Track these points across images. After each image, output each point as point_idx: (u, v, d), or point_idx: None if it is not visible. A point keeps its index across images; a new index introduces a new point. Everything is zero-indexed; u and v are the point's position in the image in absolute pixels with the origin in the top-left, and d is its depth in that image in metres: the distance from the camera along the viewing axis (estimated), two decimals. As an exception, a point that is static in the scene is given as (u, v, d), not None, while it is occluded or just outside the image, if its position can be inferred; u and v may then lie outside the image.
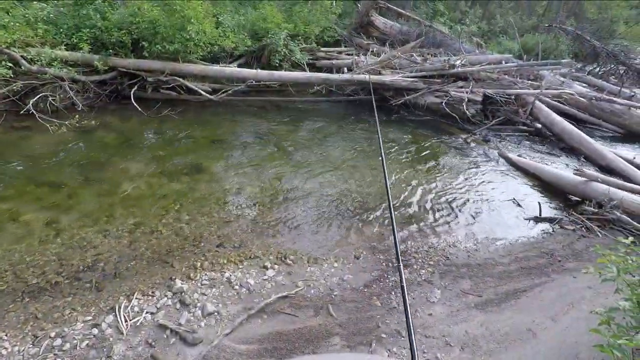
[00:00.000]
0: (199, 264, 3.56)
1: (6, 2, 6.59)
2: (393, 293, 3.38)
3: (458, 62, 8.41)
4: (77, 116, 6.41)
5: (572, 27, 14.64)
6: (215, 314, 2.99)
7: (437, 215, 4.76)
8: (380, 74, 8.55)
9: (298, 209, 4.65)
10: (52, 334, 2.70)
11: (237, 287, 3.32)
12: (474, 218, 4.76)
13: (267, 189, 5.04)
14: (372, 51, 10.62)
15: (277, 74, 8.42)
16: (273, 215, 4.50)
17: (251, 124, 7.26)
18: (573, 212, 4.91)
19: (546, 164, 6.26)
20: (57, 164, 5.22)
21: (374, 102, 4.42)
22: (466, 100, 7.82)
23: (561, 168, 6.24)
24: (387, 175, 2.30)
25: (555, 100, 8.40)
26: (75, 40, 6.94)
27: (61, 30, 7.04)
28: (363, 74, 8.53)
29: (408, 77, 8.27)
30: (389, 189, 2.38)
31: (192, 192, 4.82)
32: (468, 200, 5.16)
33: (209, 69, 7.89)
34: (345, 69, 9.64)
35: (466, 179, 5.75)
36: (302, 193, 5.00)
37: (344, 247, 4.04)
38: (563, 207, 5.15)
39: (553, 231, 4.60)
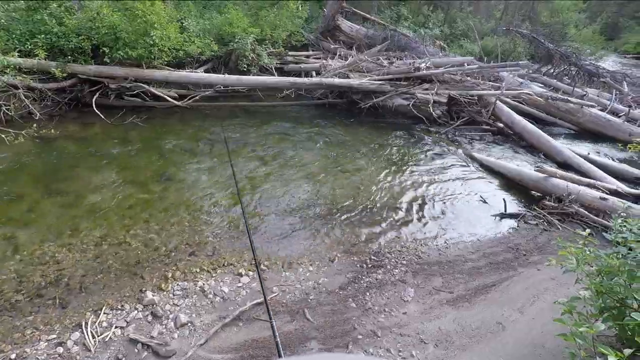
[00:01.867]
0: (170, 274, 3.47)
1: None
2: (368, 294, 3.42)
3: (423, 65, 8.65)
4: (34, 125, 6.09)
5: (528, 30, 15.40)
6: (189, 324, 2.92)
7: (408, 214, 4.87)
8: (348, 77, 8.66)
9: (270, 215, 4.62)
10: (12, 356, 2.55)
11: (210, 295, 3.26)
12: (443, 216, 4.90)
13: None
14: (339, 55, 10.75)
15: (245, 78, 8.35)
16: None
17: (220, 130, 7.15)
18: (535, 208, 5.15)
19: (509, 162, 6.54)
20: (14, 175, 4.94)
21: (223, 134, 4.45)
22: (432, 101, 8.07)
23: (523, 165, 6.53)
24: (234, 172, 2.34)
25: (515, 101, 8.80)
26: (29, 47, 6.62)
27: (14, 36, 6.70)
28: (331, 77, 8.62)
29: (375, 80, 8.42)
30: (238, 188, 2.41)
31: (161, 201, 4.69)
32: (437, 199, 5.31)
33: (175, 74, 7.72)
34: (314, 73, 9.71)
35: (435, 178, 5.91)
36: (274, 198, 4.97)
37: (318, 250, 4.05)
38: (526, 203, 5.39)
39: (518, 226, 4.81)
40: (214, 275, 3.52)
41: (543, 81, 12.10)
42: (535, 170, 5.64)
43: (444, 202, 5.23)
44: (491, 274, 3.85)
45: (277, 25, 10.58)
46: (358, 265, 3.82)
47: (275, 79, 8.65)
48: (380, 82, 8.38)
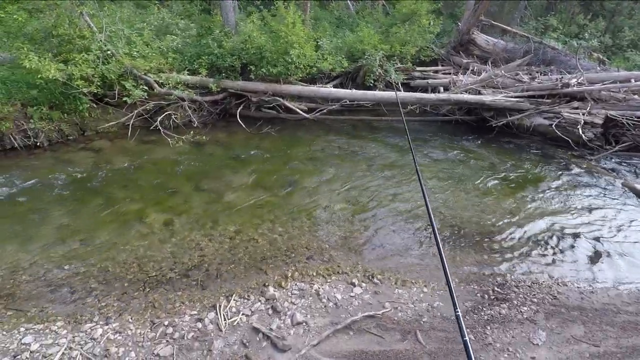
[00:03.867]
0: (289, 274, 3.73)
1: (147, 36, 7.85)
2: (488, 328, 3.12)
3: (573, 81, 7.60)
4: (192, 132, 7.27)
5: None
6: (304, 324, 3.09)
7: (542, 248, 4.30)
8: (480, 93, 8.14)
9: (387, 228, 4.60)
10: (166, 322, 3.07)
11: (324, 300, 3.39)
12: (589, 256, 4.19)
13: (357, 206, 5.09)
14: (472, 70, 10.18)
15: (370, 93, 8.53)
16: (361, 232, 4.52)
17: (344, 142, 7.44)
18: None
19: (688, 199, 5.26)
20: (174, 173, 5.97)
21: (405, 125, 4.15)
22: (582, 122, 6.99)
23: None
24: (425, 192, 2.14)
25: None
26: (196, 66, 7.95)
27: (186, 57, 8.15)
28: (461, 93, 8.21)
29: (512, 97, 7.72)
30: (428, 203, 2.24)
31: (285, 204, 5.10)
32: (581, 235, 4.56)
33: (307, 89, 8.34)
34: (442, 89, 9.38)
35: (580, 211, 5.10)
36: (391, 212, 4.94)
37: (434, 272, 3.87)
38: None
39: (696, 279, 3.82)
40: (328, 280, 3.66)
41: None
42: None
43: (591, 240, 4.47)
44: (654, 333, 3.13)
45: (406, 42, 10.58)
46: (479, 295, 3.53)
47: (401, 95, 8.62)
48: (517, 98, 7.66)
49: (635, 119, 6.87)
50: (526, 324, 3.19)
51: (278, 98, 8.28)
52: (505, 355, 2.84)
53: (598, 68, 9.84)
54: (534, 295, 3.54)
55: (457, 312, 1.51)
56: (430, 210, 2.03)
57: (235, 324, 3.08)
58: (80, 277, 3.65)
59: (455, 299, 1.54)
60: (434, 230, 1.92)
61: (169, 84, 7.35)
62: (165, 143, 6.92)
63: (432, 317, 3.25)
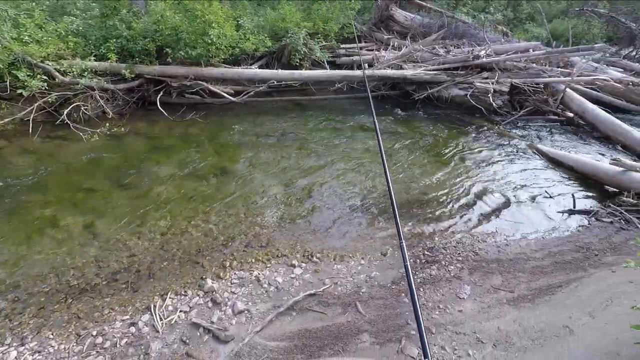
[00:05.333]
0: (228, 264, 3.65)
1: (39, 18, 6.91)
2: (421, 290, 3.34)
3: (482, 52, 8.19)
4: (107, 124, 6.66)
5: (605, 10, 13.94)
6: (246, 312, 3.05)
7: (464, 210, 4.68)
8: (401, 68, 8.45)
9: (323, 208, 4.67)
10: (94, 333, 2.84)
11: (265, 285, 3.37)
12: (503, 212, 4.64)
13: (292, 187, 5.09)
14: (392, 45, 10.50)
15: (297, 73, 8.45)
16: (298, 213, 4.54)
17: (274, 124, 7.33)
18: (610, 204, 4.70)
19: (580, 154, 6.01)
20: (91, 170, 5.45)
21: (370, 96, 4.34)
22: (492, 91, 7.63)
23: (596, 158, 5.98)
24: (386, 164, 2.36)
25: (588, 88, 8.06)
26: (103, 51, 7.21)
27: (90, 41, 7.35)
28: (384, 69, 8.46)
29: (430, 70, 8.14)
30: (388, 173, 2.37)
31: (219, 193, 4.93)
32: (497, 194, 5.03)
33: (231, 71, 8.01)
34: (367, 65, 9.58)
35: (494, 172, 5.61)
36: (326, 191, 5.02)
37: (370, 244, 4.03)
38: (599, 199, 4.94)
39: (589, 224, 4.42)
40: (268, 265, 3.65)
41: (623, 65, 10.89)
42: (611, 164, 5.13)
43: (504, 197, 4.95)
44: (557, 274, 3.58)
45: (329, 19, 10.56)
46: (411, 260, 3.75)
47: (327, 73, 8.67)
48: (435, 71, 8.09)
49: (535, 85, 7.64)
50: (453, 281, 3.46)
51: (201, 82, 7.85)
52: (437, 313, 3.07)
53: (502, 40, 10.71)
54: (459, 254, 3.85)
55: (402, 242, 2.03)
56: (391, 184, 2.16)
57: (173, 322, 2.95)
58: (-15, 297, 3.23)
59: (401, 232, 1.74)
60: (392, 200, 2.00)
61: (72, 72, 6.59)
62: (76, 138, 6.27)
63: (370, 286, 3.40)
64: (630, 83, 7.87)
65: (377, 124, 3.25)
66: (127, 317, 3.01)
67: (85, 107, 6.87)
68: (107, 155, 5.85)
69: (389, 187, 2.42)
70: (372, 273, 3.57)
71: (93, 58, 7.13)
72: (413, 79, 8.11)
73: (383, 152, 2.71)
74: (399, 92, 8.80)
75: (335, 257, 3.80)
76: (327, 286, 3.37)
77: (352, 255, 3.83)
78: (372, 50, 10.71)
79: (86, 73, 6.75)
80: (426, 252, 3.86)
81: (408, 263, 1.74)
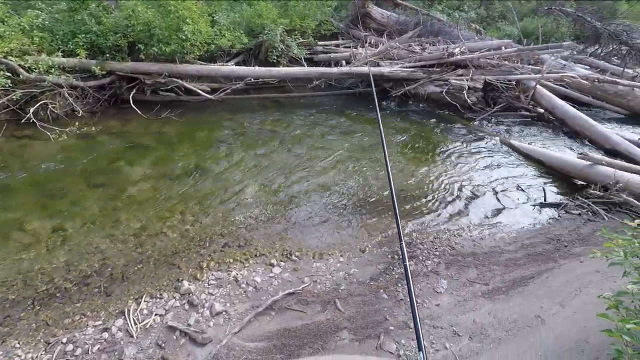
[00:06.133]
0: (205, 264, 3.58)
1: (1, 12, 6.58)
2: (399, 285, 3.38)
3: (457, 50, 8.33)
4: (77, 123, 6.41)
5: (572, 9, 14.42)
6: (224, 313, 3.01)
7: (442, 205, 4.75)
8: (379, 65, 8.50)
9: (301, 205, 4.65)
10: (64, 340, 2.74)
11: (244, 285, 3.33)
12: (478, 206, 4.74)
13: (270, 186, 5.05)
14: (369, 43, 10.55)
15: (275, 70, 8.38)
16: (277, 212, 4.50)
17: (251, 122, 7.25)
18: (578, 197, 4.88)
19: (550, 149, 6.21)
20: (59, 171, 5.25)
21: (375, 93, 4.36)
22: (467, 88, 7.77)
23: (565, 152, 6.19)
24: (388, 162, 2.36)
25: (557, 84, 8.33)
26: (71, 47, 6.94)
27: (57, 37, 7.05)
28: (361, 66, 8.49)
29: (407, 68, 8.22)
30: (390, 174, 2.39)
31: (195, 193, 4.84)
32: (472, 188, 5.14)
33: (207, 68, 7.87)
34: (344, 62, 9.60)
35: (470, 168, 5.72)
36: (305, 188, 5.00)
37: (348, 241, 4.04)
38: (568, 192, 5.11)
39: (559, 216, 4.58)
40: (246, 265, 3.60)
41: (589, 63, 11.32)
42: (578, 158, 5.32)
43: (480, 192, 5.06)
44: (529, 265, 3.69)
45: (306, 15, 10.51)
46: (389, 256, 3.78)
47: (304, 70, 8.63)
48: (412, 69, 8.17)
49: (507, 82, 7.84)
50: (431, 275, 3.52)
51: (176, 79, 7.67)
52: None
53: (476, 38, 10.94)
54: (436, 249, 3.91)
55: (402, 243, 2.10)
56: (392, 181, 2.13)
57: (148, 326, 2.87)
58: (-54, 307, 3.06)
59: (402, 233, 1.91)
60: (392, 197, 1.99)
61: (38, 69, 6.31)
62: (44, 137, 6.02)
63: (349, 284, 3.41)
64: (596, 80, 8.17)
65: (380, 118, 3.24)
66: (100, 322, 2.91)
67: (54, 105, 6.61)
68: (77, 155, 5.65)
69: (391, 190, 2.41)
70: (351, 270, 3.58)
71: (61, 54, 6.84)
72: (390, 76, 8.17)
73: (386, 152, 2.69)
74: (376, 89, 8.85)
75: (314, 255, 3.79)
76: (306, 284, 3.36)
77: (331, 253, 3.83)
78: (350, 47, 10.73)
79: (53, 70, 6.48)
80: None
81: (407, 263, 1.79)
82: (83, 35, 7.05)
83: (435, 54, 8.52)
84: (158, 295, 3.19)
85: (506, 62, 8.61)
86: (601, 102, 8.29)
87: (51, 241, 3.85)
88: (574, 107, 7.25)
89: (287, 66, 9.32)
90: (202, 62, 8.05)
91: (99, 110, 7.28)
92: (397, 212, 2.08)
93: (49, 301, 3.11)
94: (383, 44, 9.76)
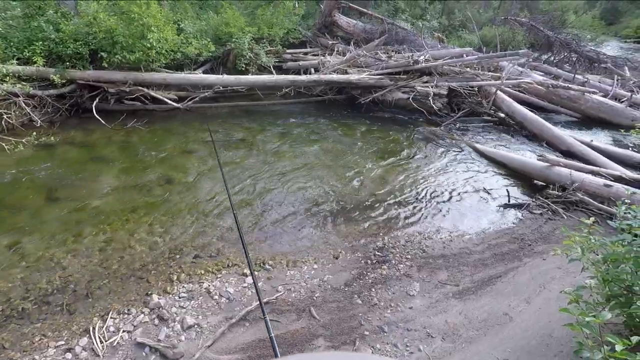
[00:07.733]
0: (175, 277, 3.48)
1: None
2: (373, 290, 3.41)
3: (421, 58, 8.58)
4: (34, 133, 6.10)
5: (526, 19, 15.26)
6: (196, 326, 2.93)
7: (411, 208, 4.85)
8: (346, 72, 8.62)
9: (274, 214, 4.62)
10: (22, 364, 2.57)
11: (216, 297, 3.26)
12: (446, 209, 4.88)
13: (240, 195, 4.98)
14: (337, 51, 10.69)
15: (243, 78, 8.32)
16: (249, 221, 4.45)
17: (220, 131, 7.15)
18: (539, 197, 5.12)
19: (511, 152, 6.50)
20: (15, 183, 4.96)
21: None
22: (432, 94, 8.01)
23: (526, 155, 6.49)
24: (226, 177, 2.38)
25: (515, 90, 8.75)
26: (28, 54, 6.62)
27: (12, 44, 6.71)
28: (330, 74, 8.59)
29: (374, 75, 8.37)
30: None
31: (164, 204, 4.70)
32: (440, 192, 5.29)
33: (173, 76, 7.70)
34: (313, 70, 9.67)
35: (437, 172, 5.89)
36: (275, 197, 4.97)
37: (322, 248, 4.04)
38: (530, 193, 5.36)
39: (522, 217, 4.78)
40: (219, 276, 3.53)
41: (544, 69, 12.00)
42: (538, 160, 5.60)
43: (447, 195, 5.21)
44: (496, 265, 3.83)
45: (273, 24, 10.54)
46: (362, 262, 3.82)
47: (273, 78, 8.61)
48: (379, 76, 8.33)
49: (470, 89, 8.16)
50: (403, 279, 3.58)
51: (141, 88, 7.44)
52: (389, 312, 3.15)
53: (439, 46, 11.34)
54: (408, 252, 3.98)
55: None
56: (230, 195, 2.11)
57: (115, 343, 2.75)
58: None
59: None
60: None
61: (-9, 77, 5.98)
62: (-1, 149, 5.69)
63: (323, 290, 3.41)
64: (550, 85, 8.65)
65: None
66: (62, 342, 2.75)
67: (9, 115, 6.25)
68: (35, 167, 5.36)
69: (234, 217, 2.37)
70: (325, 277, 3.58)
71: (15, 62, 6.51)
72: (358, 84, 8.30)
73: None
74: (345, 96, 8.97)
75: (288, 263, 3.77)
76: (280, 293, 3.33)
77: (304, 260, 3.82)
78: (318, 55, 10.83)
79: (8, 78, 6.14)
80: (377, 253, 3.95)
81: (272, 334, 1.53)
82: (40, 42, 6.73)
83: (401, 61, 8.74)
84: (126, 311, 3.06)
85: (468, 69, 8.97)
86: (556, 106, 8.78)
87: (6, 258, 3.62)
88: (532, 111, 7.63)
89: (256, 74, 9.29)
90: (169, 71, 7.88)
91: (59, 120, 6.96)
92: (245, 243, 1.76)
93: (4, 322, 2.92)
94: (350, 52, 9.91)
